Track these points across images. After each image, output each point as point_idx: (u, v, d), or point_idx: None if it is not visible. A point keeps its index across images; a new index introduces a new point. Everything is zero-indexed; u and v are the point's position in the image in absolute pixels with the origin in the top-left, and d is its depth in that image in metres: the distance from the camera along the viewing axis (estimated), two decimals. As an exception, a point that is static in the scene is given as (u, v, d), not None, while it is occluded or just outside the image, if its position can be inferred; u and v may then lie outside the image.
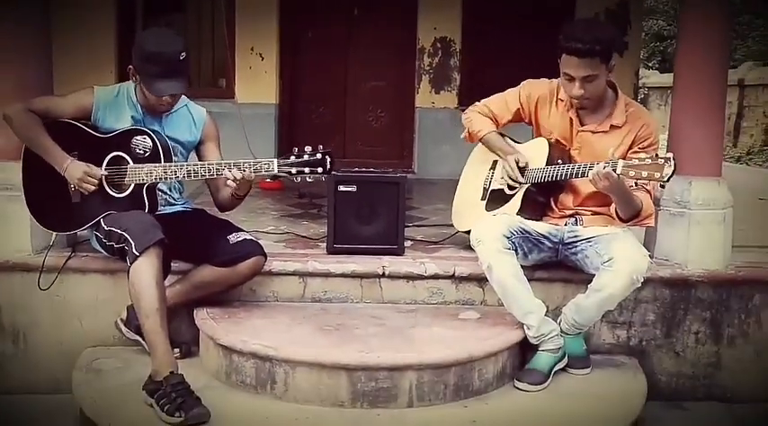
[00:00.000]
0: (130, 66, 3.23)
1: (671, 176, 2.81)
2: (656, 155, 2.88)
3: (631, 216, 3.18)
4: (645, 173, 2.85)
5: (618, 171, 2.90)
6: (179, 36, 3.25)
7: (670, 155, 2.84)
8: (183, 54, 3.15)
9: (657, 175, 2.82)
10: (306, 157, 3.01)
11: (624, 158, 2.98)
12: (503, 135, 3.62)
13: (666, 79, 11.74)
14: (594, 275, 3.19)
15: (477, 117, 3.61)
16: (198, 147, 3.47)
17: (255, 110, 6.67)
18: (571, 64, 3.14)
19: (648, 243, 3.69)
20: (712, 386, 3.63)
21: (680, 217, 3.62)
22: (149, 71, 3.15)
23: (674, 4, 15.41)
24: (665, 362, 3.61)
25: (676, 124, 3.70)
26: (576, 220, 3.38)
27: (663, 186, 3.01)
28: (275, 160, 3.04)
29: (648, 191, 3.24)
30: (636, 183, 3.01)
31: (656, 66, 17.35)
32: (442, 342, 3.11)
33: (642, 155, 2.90)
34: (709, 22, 3.60)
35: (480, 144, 3.70)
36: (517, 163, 3.41)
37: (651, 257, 3.58)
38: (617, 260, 3.08)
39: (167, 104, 3.27)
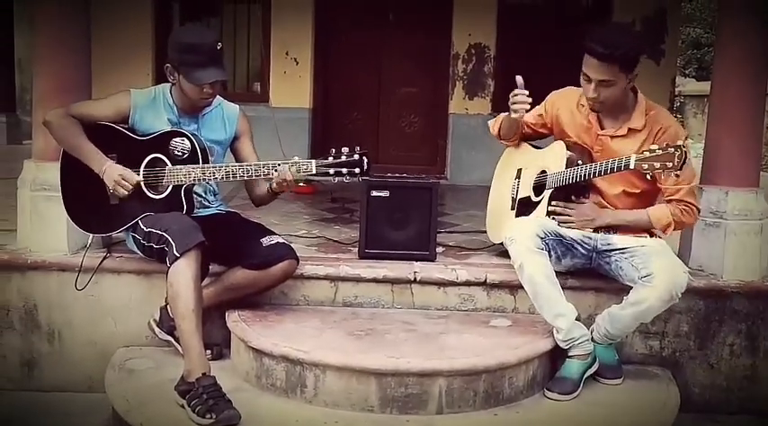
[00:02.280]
0: (167, 65, 3.25)
1: (683, 164, 2.83)
2: (667, 144, 2.90)
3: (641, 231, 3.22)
4: (657, 164, 2.89)
5: (631, 165, 2.94)
6: (211, 29, 3.28)
7: (680, 142, 2.88)
8: (220, 44, 3.18)
9: (670, 165, 2.86)
10: (343, 158, 3.02)
11: None
12: (520, 143, 3.68)
13: (703, 87, 11.50)
14: (628, 286, 3.17)
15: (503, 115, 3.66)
16: (232, 143, 3.49)
17: (289, 115, 6.69)
18: (589, 65, 3.15)
19: (683, 252, 3.66)
20: (747, 400, 3.56)
21: (715, 228, 3.58)
22: (189, 61, 3.16)
23: (712, 11, 15.16)
24: (698, 374, 3.56)
25: (713, 133, 3.66)
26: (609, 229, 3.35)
27: (677, 176, 3.00)
28: (313, 161, 3.06)
29: (679, 201, 3.23)
30: (651, 176, 3.00)
31: (693, 73, 17.05)
32: (473, 349, 3.08)
33: (654, 147, 2.93)
34: (748, 30, 3.55)
35: (504, 153, 3.79)
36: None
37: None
38: (656, 275, 3.04)
39: (208, 96, 3.26)
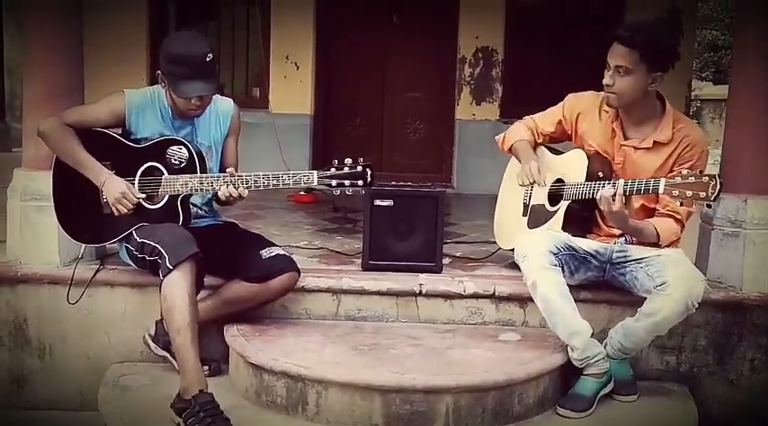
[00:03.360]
0: (158, 72, 3.21)
1: (717, 195, 2.75)
2: (701, 171, 2.82)
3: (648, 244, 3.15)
4: (689, 193, 2.79)
5: (660, 190, 2.85)
6: (204, 37, 3.25)
7: (716, 172, 2.79)
8: (210, 55, 3.12)
9: (703, 195, 2.76)
10: (346, 170, 3.01)
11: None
12: (537, 147, 3.57)
13: (721, 91, 11.39)
14: (642, 297, 3.11)
15: (519, 125, 3.59)
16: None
17: (290, 121, 6.64)
18: (611, 50, 3.10)
19: (700, 263, 3.58)
20: None
21: (734, 237, 3.51)
22: (175, 73, 3.12)
23: (730, 12, 15.06)
24: (717, 391, 3.48)
25: (731, 139, 3.59)
26: (627, 239, 3.27)
27: (709, 206, 2.91)
28: (315, 172, 3.04)
29: (678, 220, 3.15)
30: (681, 203, 2.91)
31: (710, 77, 16.92)
32: (481, 365, 3.05)
33: (685, 172, 2.83)
34: (767, 31, 3.46)
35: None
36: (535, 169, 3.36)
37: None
38: (672, 284, 2.97)
39: (196, 108, 3.22)
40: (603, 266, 3.27)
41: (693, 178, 2.78)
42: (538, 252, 3.11)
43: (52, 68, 3.51)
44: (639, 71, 3.06)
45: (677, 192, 2.81)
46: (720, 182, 2.75)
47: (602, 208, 3.00)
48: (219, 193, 3.11)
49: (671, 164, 3.18)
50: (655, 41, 3.04)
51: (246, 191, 3.09)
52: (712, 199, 2.76)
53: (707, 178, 2.76)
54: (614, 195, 2.94)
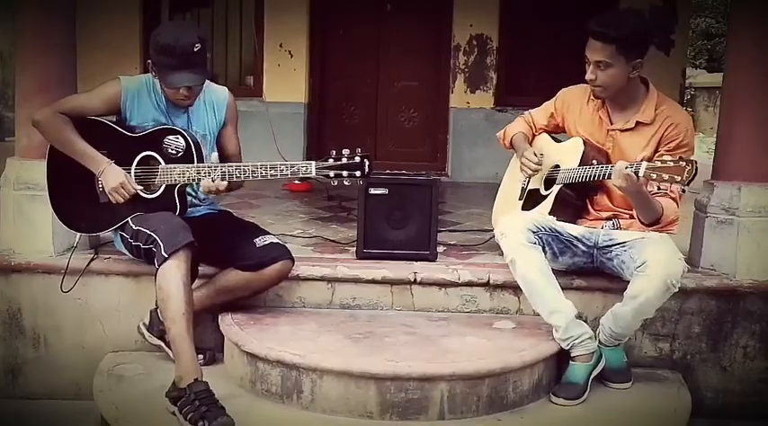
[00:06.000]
0: (149, 61, 3.20)
1: (691, 180, 2.77)
2: (680, 157, 2.84)
3: (652, 221, 3.12)
4: (666, 176, 2.81)
5: (640, 173, 2.86)
6: (194, 27, 3.24)
7: (693, 158, 2.82)
8: (198, 45, 3.10)
9: (678, 178, 2.78)
10: (344, 160, 2.99)
11: (651, 160, 2.95)
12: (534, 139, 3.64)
13: (714, 79, 11.42)
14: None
15: (518, 120, 3.68)
16: (219, 130, 3.44)
17: (284, 109, 6.64)
18: (588, 46, 3.15)
19: (694, 251, 3.60)
20: (762, 405, 3.49)
21: (728, 225, 3.51)
22: (164, 63, 3.11)
23: (724, 0, 15.13)
24: (711, 377, 3.49)
25: (725, 126, 3.59)
26: (614, 224, 3.29)
27: (684, 191, 2.95)
28: (313, 163, 3.02)
29: (674, 199, 3.16)
30: (659, 187, 2.94)
31: (704, 65, 16.98)
32: (476, 353, 3.05)
33: (666, 158, 2.86)
34: (762, 19, 3.46)
35: None
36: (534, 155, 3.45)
37: (697, 266, 3.54)
38: (650, 264, 2.99)
39: (185, 98, 3.21)
40: (591, 251, 3.29)
41: (672, 162, 2.81)
42: (516, 229, 3.15)
43: (44, 61, 3.49)
44: (618, 63, 3.11)
45: (655, 176, 2.83)
46: (696, 168, 2.78)
47: (615, 185, 2.99)
48: (202, 186, 3.11)
49: (655, 143, 3.21)
50: (628, 33, 3.08)
51: (225, 183, 3.06)
52: (686, 183, 2.78)
53: (684, 163, 2.78)
54: (626, 171, 2.92)
